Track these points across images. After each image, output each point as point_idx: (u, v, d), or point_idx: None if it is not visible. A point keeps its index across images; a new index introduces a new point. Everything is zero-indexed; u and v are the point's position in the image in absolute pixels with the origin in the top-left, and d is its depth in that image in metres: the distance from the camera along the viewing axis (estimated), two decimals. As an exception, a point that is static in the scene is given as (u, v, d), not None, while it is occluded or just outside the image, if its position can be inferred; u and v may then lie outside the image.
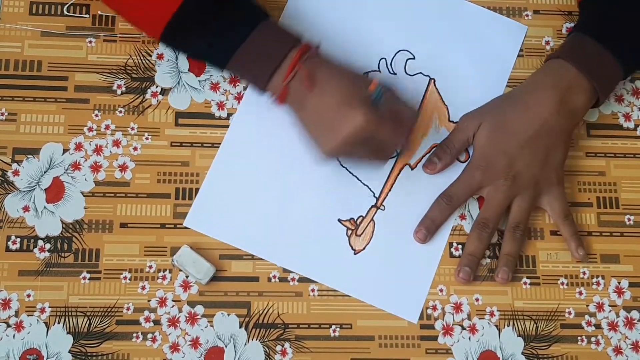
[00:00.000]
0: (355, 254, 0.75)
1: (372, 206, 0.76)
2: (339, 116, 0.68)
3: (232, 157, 0.76)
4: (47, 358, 0.69)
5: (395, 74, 0.80)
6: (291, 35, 0.71)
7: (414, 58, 0.81)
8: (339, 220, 0.75)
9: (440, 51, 0.82)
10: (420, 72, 0.81)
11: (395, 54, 0.81)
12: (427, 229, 0.75)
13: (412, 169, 0.78)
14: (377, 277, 0.74)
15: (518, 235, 0.75)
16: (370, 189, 0.77)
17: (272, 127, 0.76)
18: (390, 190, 0.77)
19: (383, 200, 0.76)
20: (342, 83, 0.70)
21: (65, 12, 0.79)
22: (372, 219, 0.75)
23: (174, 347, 0.71)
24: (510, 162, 0.75)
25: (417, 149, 0.78)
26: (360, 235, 0.75)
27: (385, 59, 0.81)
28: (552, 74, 0.77)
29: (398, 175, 0.77)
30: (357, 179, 0.77)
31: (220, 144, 0.76)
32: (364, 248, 0.75)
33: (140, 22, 0.74)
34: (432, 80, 0.81)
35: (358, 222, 0.76)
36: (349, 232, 0.75)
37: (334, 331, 0.73)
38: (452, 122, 0.79)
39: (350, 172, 0.77)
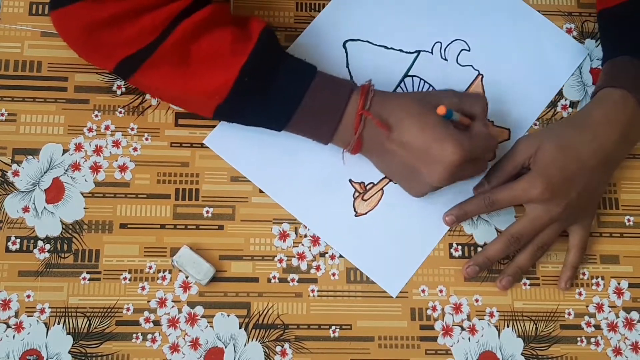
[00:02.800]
0: (355, 216, 0.75)
1: (386, 177, 0.77)
2: (431, 155, 0.67)
3: None
4: (47, 359, 0.69)
5: (446, 60, 0.81)
6: (345, 82, 0.71)
7: (469, 50, 0.82)
8: (350, 181, 0.76)
9: (496, 51, 0.82)
10: (471, 65, 0.81)
11: (452, 42, 0.82)
12: (457, 217, 0.75)
13: None
14: (370, 244, 0.75)
15: (538, 256, 0.75)
16: None
17: None
18: None
19: None
20: (414, 115, 0.68)
21: (65, 13, 0.79)
22: (381, 189, 0.76)
23: (174, 348, 0.71)
24: (570, 187, 0.72)
25: None
26: (366, 200, 0.75)
27: (440, 43, 0.81)
28: (614, 106, 0.75)
29: None
30: None
31: (220, 144, 0.77)
32: (366, 213, 0.75)
33: (190, 108, 0.74)
34: (481, 76, 0.81)
35: (368, 187, 0.76)
36: (356, 194, 0.76)
37: (334, 332, 0.73)
38: (489, 120, 0.78)
39: None
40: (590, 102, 0.78)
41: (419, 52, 0.81)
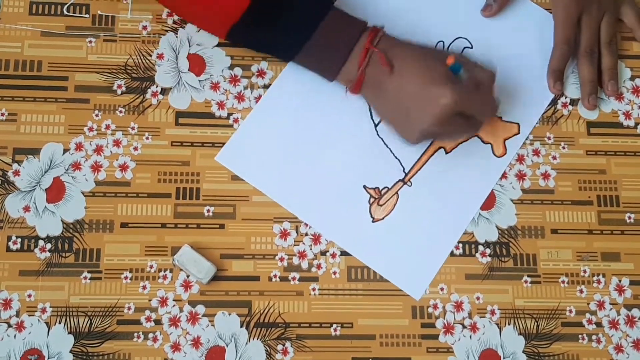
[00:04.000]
0: (373, 221, 0.75)
1: (400, 180, 0.77)
2: (426, 96, 0.68)
3: (274, 105, 0.78)
4: (48, 358, 0.69)
5: None
6: (358, 22, 0.72)
7: (471, 47, 0.82)
8: (364, 187, 0.76)
9: (499, 47, 0.82)
10: None
11: (454, 40, 0.82)
12: (559, 78, 0.80)
13: (446, 152, 0.78)
14: (389, 249, 0.75)
15: (614, 49, 0.81)
16: (401, 164, 0.77)
17: (319, 84, 0.77)
18: (420, 168, 0.77)
19: (411, 177, 0.77)
20: (420, 61, 0.70)
21: (65, 12, 0.79)
22: (396, 193, 0.76)
23: (175, 347, 0.71)
24: None
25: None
26: (382, 205, 0.76)
27: (443, 42, 0.82)
28: None
29: (432, 155, 0.78)
30: (391, 151, 0.77)
31: (220, 143, 0.76)
32: (383, 218, 0.75)
33: (204, 25, 0.75)
34: None
35: (382, 192, 0.76)
36: (372, 200, 0.76)
37: (335, 330, 0.73)
38: (497, 115, 0.79)
39: (385, 144, 0.78)
40: None
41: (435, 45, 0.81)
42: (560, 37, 0.80)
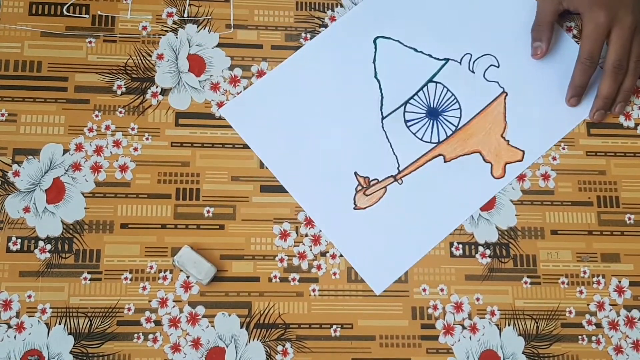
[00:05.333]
0: (354, 209, 0.76)
1: (391, 176, 0.77)
2: None
3: (291, 75, 0.78)
4: (48, 359, 0.69)
5: (473, 72, 0.81)
6: None
7: (497, 66, 0.82)
8: (355, 173, 0.76)
9: (525, 71, 0.82)
10: (497, 82, 0.81)
11: (482, 56, 0.82)
12: (578, 94, 0.79)
13: (445, 161, 0.78)
14: (363, 239, 0.75)
15: (639, 68, 0.79)
16: (397, 160, 0.77)
17: (340, 64, 0.78)
18: (415, 170, 0.77)
19: (404, 176, 0.77)
20: None
21: (65, 12, 0.79)
22: (385, 187, 0.76)
23: (175, 348, 0.71)
24: None
25: (457, 147, 0.79)
26: (367, 196, 0.76)
27: (470, 55, 0.81)
28: None
29: (429, 161, 0.78)
30: (391, 146, 0.78)
31: (220, 144, 0.76)
32: (365, 208, 0.76)
33: None
34: (505, 94, 0.81)
35: (371, 183, 0.76)
36: (359, 187, 0.76)
37: (335, 331, 0.73)
38: (504, 138, 0.79)
39: (387, 138, 0.78)
40: None
41: (447, 60, 0.81)
42: (584, 51, 0.78)
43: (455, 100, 0.80)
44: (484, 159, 0.79)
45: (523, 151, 0.80)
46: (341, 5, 0.83)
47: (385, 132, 0.78)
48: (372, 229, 0.75)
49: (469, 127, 0.79)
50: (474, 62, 0.81)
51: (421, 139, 0.79)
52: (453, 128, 0.79)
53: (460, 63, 0.81)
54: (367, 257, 0.75)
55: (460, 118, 0.80)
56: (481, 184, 0.78)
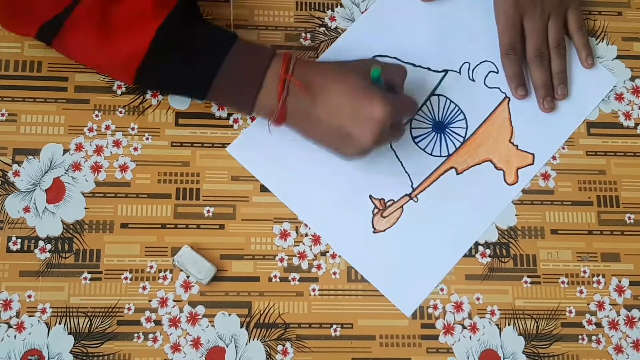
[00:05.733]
0: (374, 232, 0.75)
1: (406, 195, 0.77)
2: (358, 115, 0.67)
3: None
4: (48, 359, 0.69)
5: (474, 80, 0.81)
6: (265, 49, 0.70)
7: (497, 72, 0.82)
8: (370, 197, 0.76)
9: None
10: (499, 88, 0.81)
11: (480, 63, 0.82)
12: (521, 83, 0.80)
13: (457, 173, 0.78)
14: (386, 261, 0.74)
15: (562, 53, 0.81)
16: (410, 178, 0.77)
17: None
18: (429, 186, 0.77)
19: (418, 193, 0.77)
20: (341, 79, 0.69)
21: (65, 13, 0.79)
22: (401, 207, 0.76)
23: (175, 347, 0.71)
24: None
25: (467, 158, 0.79)
26: (385, 217, 0.75)
27: (469, 63, 0.81)
28: None
29: (442, 175, 0.78)
30: (402, 165, 0.77)
31: (220, 144, 0.76)
32: (384, 230, 0.75)
33: (112, 73, 0.74)
34: (507, 99, 0.81)
35: (387, 204, 0.76)
36: (375, 210, 0.76)
37: (335, 331, 0.73)
38: (513, 143, 0.79)
39: (397, 156, 0.78)
40: None
41: (447, 71, 0.81)
42: (505, 45, 0.80)
43: (459, 111, 0.80)
44: (496, 167, 0.79)
45: (533, 154, 0.79)
46: (341, 5, 0.83)
47: (395, 151, 0.78)
48: (394, 250, 0.75)
49: (476, 136, 0.79)
50: (473, 70, 0.81)
51: (431, 154, 0.78)
52: (461, 139, 0.79)
53: (459, 73, 0.81)
54: (393, 278, 0.74)
55: (466, 128, 0.80)
56: (496, 192, 0.78)
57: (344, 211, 0.76)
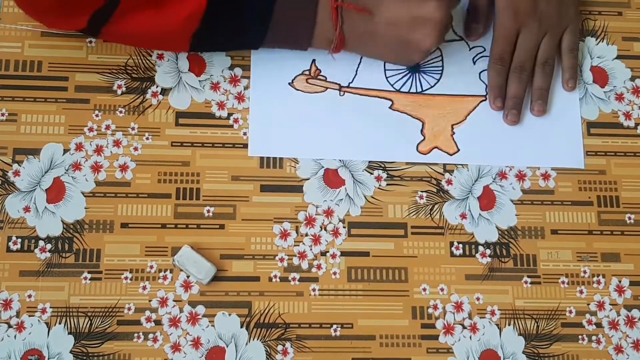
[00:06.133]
0: (289, 84, 0.79)
1: (339, 84, 0.79)
2: (418, 19, 0.70)
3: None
4: (48, 358, 0.69)
5: (474, 63, 0.82)
6: None
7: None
8: (313, 61, 0.79)
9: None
10: (486, 86, 0.82)
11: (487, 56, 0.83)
12: (500, 95, 0.80)
13: (390, 107, 0.79)
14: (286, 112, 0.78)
15: (547, 71, 0.80)
16: (354, 76, 0.80)
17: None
18: (360, 95, 0.79)
19: (348, 92, 0.78)
20: None
21: (65, 12, 0.79)
22: (326, 88, 0.79)
23: (175, 347, 0.71)
24: (534, 3, 0.79)
25: (409, 104, 0.80)
26: (307, 83, 0.79)
27: (483, 48, 0.83)
28: None
29: (378, 97, 0.79)
30: (359, 63, 0.80)
31: (220, 144, 0.76)
32: (297, 90, 0.79)
33: (166, 46, 0.76)
34: (484, 99, 0.81)
35: (319, 77, 0.79)
36: (306, 71, 0.79)
37: (335, 331, 0.73)
38: (452, 129, 0.80)
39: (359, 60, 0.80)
40: None
41: (462, 39, 0.83)
42: (495, 54, 0.80)
43: (440, 70, 0.81)
44: (421, 131, 0.79)
45: (459, 149, 0.79)
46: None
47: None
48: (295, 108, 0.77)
49: (433, 98, 0.80)
50: (479, 57, 0.82)
51: (389, 82, 0.80)
52: (420, 90, 0.80)
53: (470, 49, 0.82)
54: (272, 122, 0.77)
55: (433, 86, 0.80)
56: (404, 145, 0.78)
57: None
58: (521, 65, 0.80)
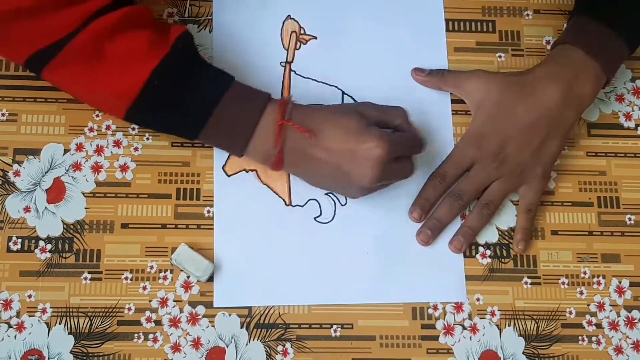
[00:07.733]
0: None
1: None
2: (357, 154, 0.67)
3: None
4: (48, 359, 0.69)
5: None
6: (261, 95, 0.69)
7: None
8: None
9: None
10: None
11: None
12: (422, 208, 0.75)
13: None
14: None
15: (485, 214, 0.75)
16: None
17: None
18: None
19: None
20: (337, 120, 0.69)
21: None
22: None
23: (175, 348, 0.71)
24: (503, 143, 0.74)
25: None
26: None
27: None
28: (559, 61, 0.76)
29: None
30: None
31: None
32: None
33: (102, 108, 0.73)
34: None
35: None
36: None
37: (335, 331, 0.73)
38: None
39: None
40: (542, 61, 0.79)
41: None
42: (439, 170, 0.76)
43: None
44: None
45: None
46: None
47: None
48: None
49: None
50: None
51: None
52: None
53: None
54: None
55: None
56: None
57: None
58: (460, 193, 0.75)
